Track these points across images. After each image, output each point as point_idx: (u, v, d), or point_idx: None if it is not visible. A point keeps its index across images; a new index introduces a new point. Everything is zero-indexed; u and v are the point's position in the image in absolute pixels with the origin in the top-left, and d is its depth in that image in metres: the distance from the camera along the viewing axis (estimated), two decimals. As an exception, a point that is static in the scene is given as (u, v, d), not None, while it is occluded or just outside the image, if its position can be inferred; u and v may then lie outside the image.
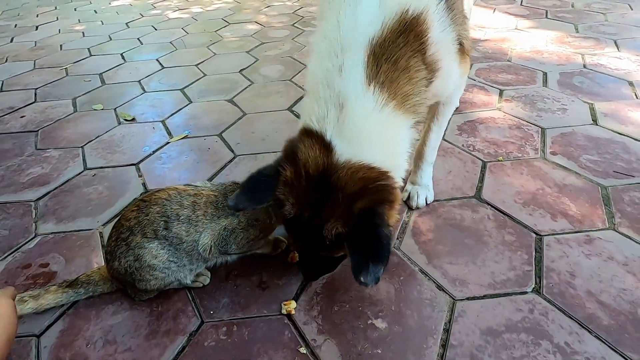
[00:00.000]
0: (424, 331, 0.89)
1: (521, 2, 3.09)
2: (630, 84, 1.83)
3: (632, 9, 2.74)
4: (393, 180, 0.80)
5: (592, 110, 1.66)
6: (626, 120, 1.57)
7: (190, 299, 1.01)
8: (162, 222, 0.92)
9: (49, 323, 0.98)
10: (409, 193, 1.24)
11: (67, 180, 1.50)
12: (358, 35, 0.77)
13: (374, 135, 0.77)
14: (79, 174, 1.54)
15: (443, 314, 0.93)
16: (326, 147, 0.76)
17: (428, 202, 1.23)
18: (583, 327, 0.88)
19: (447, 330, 0.89)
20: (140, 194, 1.37)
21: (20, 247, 1.21)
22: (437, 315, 0.93)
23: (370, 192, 0.75)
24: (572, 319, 0.89)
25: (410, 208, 1.23)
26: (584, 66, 2.03)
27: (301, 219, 0.79)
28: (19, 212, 1.36)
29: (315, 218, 0.77)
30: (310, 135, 0.79)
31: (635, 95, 1.74)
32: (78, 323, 0.98)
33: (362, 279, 0.67)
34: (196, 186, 1.00)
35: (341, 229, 0.75)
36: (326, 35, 0.82)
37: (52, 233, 1.26)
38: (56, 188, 1.46)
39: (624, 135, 1.48)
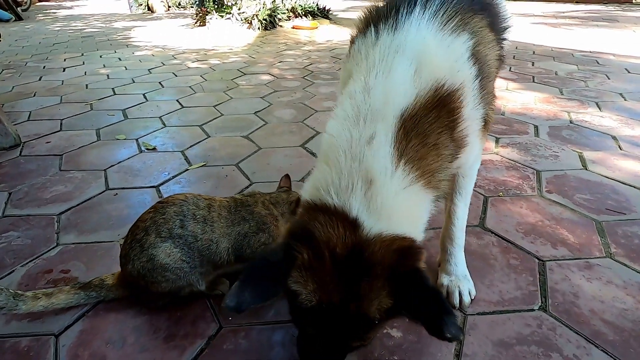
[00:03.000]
0: (438, 341, 0.92)
1: (510, 68, 3.43)
2: (614, 137, 2.01)
3: (609, 79, 3.05)
4: (418, 242, 0.75)
5: (582, 157, 1.80)
6: (613, 167, 1.71)
7: (209, 306, 1.04)
8: (178, 220, 0.98)
9: (68, 324, 0.99)
10: (447, 288, 1.06)
11: (89, 198, 1.57)
12: (390, 106, 0.73)
13: (402, 211, 0.72)
14: (101, 193, 1.61)
15: (455, 326, 0.96)
16: (352, 224, 0.69)
17: (472, 297, 1.05)
18: (590, 341, 0.91)
19: (460, 342, 0.92)
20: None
21: (42, 254, 1.25)
22: (450, 327, 0.96)
23: (408, 257, 0.69)
24: (578, 334, 0.93)
25: (453, 308, 1.02)
26: (571, 122, 2.23)
27: (329, 306, 0.68)
28: (42, 224, 1.41)
29: (350, 300, 0.68)
30: (325, 211, 0.71)
31: (619, 147, 1.91)
32: (97, 324, 0.99)
33: (448, 334, 0.60)
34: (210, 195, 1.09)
35: (389, 302, 0.68)
36: (353, 97, 0.77)
37: (73, 243, 1.30)
38: (78, 204, 1.52)
39: (612, 179, 1.61)
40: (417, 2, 0.81)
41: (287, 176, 1.25)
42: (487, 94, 0.86)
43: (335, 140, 0.75)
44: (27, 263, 1.20)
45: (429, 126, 0.73)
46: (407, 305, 0.67)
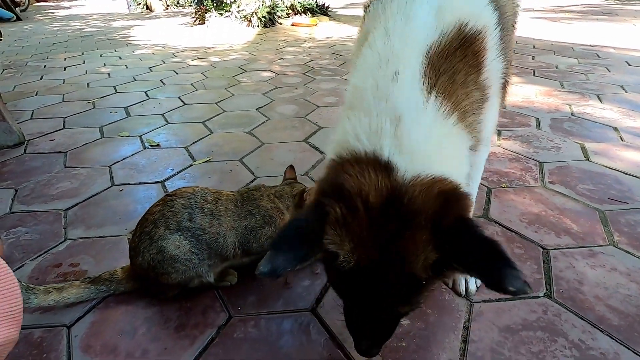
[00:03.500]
0: (445, 328, 0.94)
1: (510, 63, 3.43)
2: (615, 129, 2.01)
3: (610, 71, 3.05)
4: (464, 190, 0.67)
5: (584, 149, 1.81)
6: (615, 157, 1.72)
7: (218, 296, 1.05)
8: (187, 213, 0.99)
9: (80, 315, 1.01)
10: (453, 277, 1.04)
11: (95, 194, 1.58)
12: (413, 43, 0.70)
13: (438, 147, 0.66)
14: (107, 189, 1.62)
15: (462, 314, 0.97)
16: (385, 168, 0.63)
17: (478, 285, 1.03)
18: (594, 326, 0.93)
19: (466, 328, 0.94)
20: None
21: (50, 249, 1.26)
22: (457, 314, 0.97)
23: (454, 203, 0.62)
24: (583, 319, 0.95)
25: (459, 295, 1.02)
26: (572, 114, 2.24)
27: (370, 266, 0.62)
28: (49, 219, 1.42)
29: (392, 256, 0.61)
30: (354, 160, 0.65)
31: (621, 138, 1.91)
32: (109, 315, 1.00)
33: (511, 287, 0.50)
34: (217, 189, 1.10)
35: (435, 255, 0.59)
36: (373, 46, 0.74)
37: (81, 238, 1.31)
38: (85, 200, 1.54)
39: (614, 169, 1.62)
40: None
41: (291, 167, 1.25)
42: (506, 48, 0.82)
43: (359, 88, 0.72)
44: (36, 257, 1.22)
45: (456, 64, 0.70)
46: (458, 257, 0.58)
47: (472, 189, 1.05)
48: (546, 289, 1.04)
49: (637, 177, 1.55)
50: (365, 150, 0.65)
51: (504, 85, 0.89)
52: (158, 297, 1.04)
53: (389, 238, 0.60)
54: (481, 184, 1.54)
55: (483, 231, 0.58)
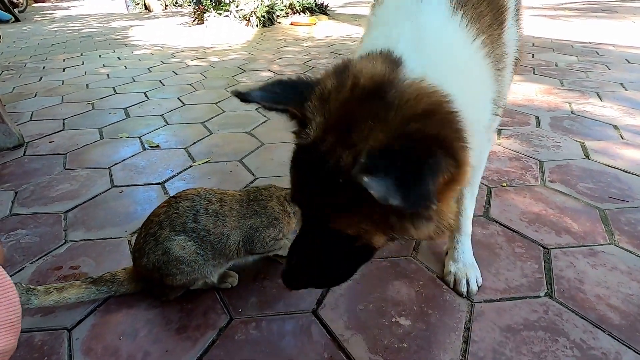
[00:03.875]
0: (447, 328, 0.94)
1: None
2: (615, 127, 2.01)
3: (609, 69, 3.05)
4: (466, 132, 0.57)
5: (584, 147, 1.81)
6: (615, 156, 1.72)
7: (219, 298, 1.05)
8: (192, 214, 0.99)
9: (80, 318, 1.01)
10: (454, 275, 1.05)
11: (95, 196, 1.58)
12: None
13: (458, 66, 0.63)
14: (107, 190, 1.62)
15: (463, 314, 0.97)
16: (393, 61, 0.60)
17: (479, 285, 1.05)
18: (596, 326, 0.93)
19: (468, 328, 0.94)
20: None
21: (51, 251, 1.26)
22: (458, 314, 0.97)
23: (435, 121, 0.54)
24: (584, 319, 0.95)
25: (460, 295, 1.02)
26: (572, 112, 2.23)
27: (320, 146, 0.56)
28: (49, 221, 1.42)
29: (342, 143, 0.54)
30: (374, 55, 0.63)
31: (621, 136, 1.91)
32: (110, 318, 1.00)
33: (391, 201, 0.44)
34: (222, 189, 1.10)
35: (378, 148, 0.51)
36: None
37: (81, 240, 1.31)
38: (85, 202, 1.53)
39: (614, 168, 1.62)
40: None
41: None
42: (519, 24, 0.82)
43: (386, 5, 0.72)
44: (36, 260, 1.22)
45: (485, 6, 0.68)
46: (380, 157, 0.49)
47: (469, 198, 1.06)
48: (547, 289, 1.04)
49: (637, 176, 1.55)
50: (382, 48, 0.63)
51: (516, 63, 0.87)
52: (160, 298, 1.04)
53: (351, 123, 0.55)
54: (482, 183, 1.54)
55: (426, 160, 0.49)
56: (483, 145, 0.95)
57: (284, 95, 0.60)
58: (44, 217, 1.44)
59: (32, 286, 0.97)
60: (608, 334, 0.90)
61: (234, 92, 0.58)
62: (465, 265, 1.07)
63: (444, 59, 0.63)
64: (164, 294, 1.03)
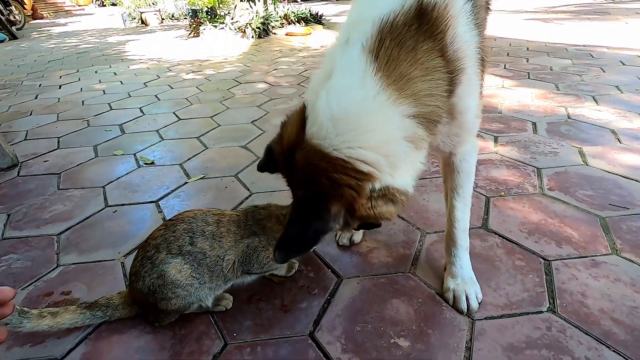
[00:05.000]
0: (447, 349, 0.91)
1: (504, 65, 3.43)
2: (612, 131, 2.00)
3: (604, 72, 3.05)
4: (357, 170, 0.68)
5: (581, 153, 1.80)
6: (614, 161, 1.70)
7: (213, 322, 1.03)
8: (188, 237, 0.97)
9: (71, 347, 0.98)
10: (453, 292, 1.03)
11: (89, 216, 1.56)
12: (374, 11, 0.71)
13: (348, 111, 0.67)
14: (100, 210, 1.60)
15: (464, 332, 0.95)
16: (302, 122, 0.70)
17: (479, 301, 1.02)
18: (601, 342, 0.90)
19: (469, 348, 0.91)
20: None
21: (42, 276, 1.23)
22: (458, 333, 0.95)
23: (317, 183, 0.69)
24: (589, 335, 0.92)
25: (461, 313, 1.01)
26: (568, 117, 2.22)
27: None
28: (42, 244, 1.39)
29: (289, 187, 0.81)
30: (300, 109, 0.74)
31: (619, 140, 1.90)
32: (101, 346, 0.98)
33: (275, 253, 0.76)
34: (219, 209, 1.07)
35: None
36: (348, 15, 0.81)
37: (74, 264, 1.29)
38: (78, 223, 1.51)
39: (613, 174, 1.60)
40: None
41: None
42: (479, 24, 0.81)
43: (330, 49, 0.78)
44: (27, 286, 1.19)
45: (408, 31, 0.69)
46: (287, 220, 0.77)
47: (460, 207, 1.04)
48: (549, 303, 1.01)
49: (637, 181, 1.53)
50: (305, 102, 0.73)
51: (482, 63, 0.85)
52: (154, 324, 1.02)
53: (288, 179, 0.80)
54: (479, 193, 1.52)
55: (302, 220, 0.73)
56: (466, 153, 0.96)
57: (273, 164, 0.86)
58: (36, 241, 1.42)
59: (26, 309, 0.95)
60: (614, 351, 0.88)
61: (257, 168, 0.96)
62: (465, 281, 1.05)
63: (340, 113, 0.67)
64: (158, 319, 1.01)
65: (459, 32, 0.74)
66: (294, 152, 0.72)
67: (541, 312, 0.99)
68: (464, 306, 1.01)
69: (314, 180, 0.70)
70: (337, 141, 0.67)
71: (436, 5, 0.71)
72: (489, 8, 1.01)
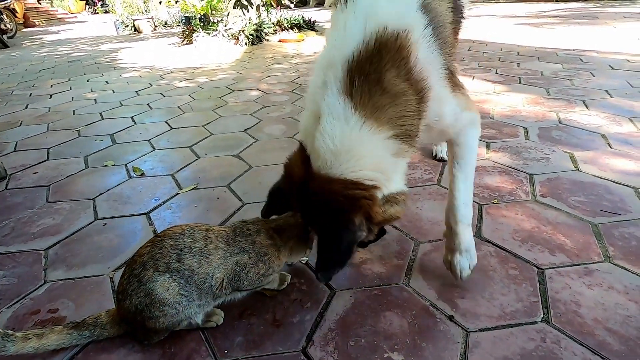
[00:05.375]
0: (441, 363, 0.90)
1: (496, 71, 3.46)
2: (603, 136, 2.01)
3: (594, 76, 3.08)
4: (364, 186, 0.83)
5: (573, 158, 1.80)
6: (605, 166, 1.71)
7: (204, 339, 1.01)
8: (175, 254, 0.95)
9: (57, 368, 0.95)
10: (451, 261, 1.10)
11: (78, 230, 1.53)
12: (342, 52, 0.83)
13: (342, 146, 0.81)
14: (90, 223, 1.57)
15: (458, 345, 0.94)
16: (305, 160, 0.86)
17: (471, 268, 1.10)
18: (595, 353, 0.89)
19: (463, 362, 0.90)
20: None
21: (29, 294, 1.21)
22: (452, 346, 0.93)
23: (332, 203, 0.83)
24: (583, 345, 0.91)
25: (456, 278, 1.10)
26: (559, 122, 2.24)
27: (305, 221, 0.98)
28: (29, 260, 1.37)
29: (305, 220, 0.96)
30: (299, 149, 0.91)
31: (609, 145, 1.91)
32: (88, 367, 0.95)
33: (318, 275, 0.87)
34: (208, 225, 1.06)
35: (316, 232, 0.90)
36: (321, 55, 0.91)
37: (61, 280, 1.26)
38: (67, 237, 1.49)
39: (605, 179, 1.61)
40: None
41: None
42: (443, 43, 0.90)
43: (310, 88, 0.90)
44: (13, 304, 1.16)
45: (371, 65, 0.81)
46: (319, 241, 0.89)
47: (461, 180, 1.08)
48: (543, 313, 1.01)
49: (627, 187, 1.54)
50: (302, 143, 0.89)
51: (451, 75, 0.96)
52: (143, 342, 0.99)
53: (302, 210, 0.94)
54: (473, 201, 1.52)
55: (340, 230, 0.85)
56: (463, 126, 1.04)
57: (279, 203, 1.04)
58: (23, 256, 1.39)
59: (9, 332, 0.92)
60: (608, 362, 0.87)
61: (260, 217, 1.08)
62: (460, 252, 1.09)
63: (334, 147, 0.82)
64: (147, 337, 0.99)
65: (421, 56, 0.84)
66: (306, 184, 0.85)
67: (535, 322, 0.98)
68: (457, 275, 1.09)
69: (333, 200, 0.83)
70: (342, 169, 0.82)
71: (398, 36, 0.82)
72: (459, 20, 1.10)
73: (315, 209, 0.87)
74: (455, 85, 0.98)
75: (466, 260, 1.09)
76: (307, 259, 1.25)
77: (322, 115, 0.82)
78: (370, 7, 0.85)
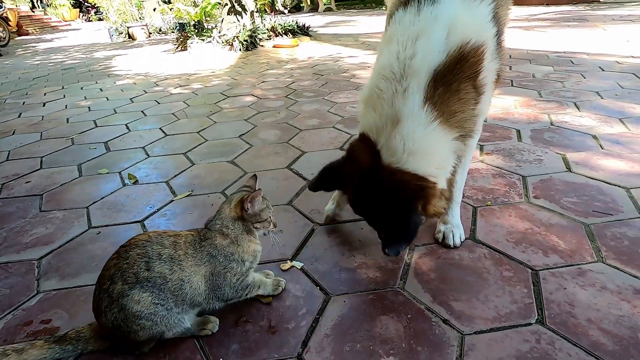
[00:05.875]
0: (437, 366, 0.90)
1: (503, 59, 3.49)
2: (594, 137, 2.03)
3: (585, 78, 3.12)
4: (429, 182, 0.98)
5: (565, 159, 1.82)
6: (597, 167, 1.73)
7: (199, 347, 1.00)
8: (143, 263, 0.91)
9: (50, 380, 0.94)
10: (443, 233, 1.30)
11: (71, 239, 1.52)
12: (427, 62, 0.92)
13: (418, 148, 0.94)
14: (83, 232, 1.56)
15: (454, 349, 0.94)
16: (375, 153, 0.99)
17: (462, 240, 1.29)
18: (590, 353, 0.90)
19: (459, 365, 0.90)
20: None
21: (21, 304, 1.19)
22: (448, 350, 0.93)
23: (403, 191, 0.96)
24: (577, 346, 0.92)
25: (448, 247, 1.28)
26: (551, 124, 2.26)
27: (356, 201, 1.08)
28: (21, 270, 1.35)
29: (364, 203, 1.05)
30: (367, 141, 1.01)
31: (601, 146, 1.93)
32: (81, 378, 0.94)
33: (385, 250, 0.98)
34: (176, 231, 1.03)
35: (379, 215, 1.01)
36: (391, 56, 0.98)
37: (54, 290, 1.25)
38: (60, 247, 1.48)
39: (597, 180, 1.62)
40: None
41: (254, 176, 1.17)
42: (502, 50, 1.02)
43: (383, 94, 0.98)
44: (4, 315, 1.15)
45: (453, 76, 0.92)
46: (385, 223, 1.01)
47: (460, 172, 1.27)
48: (538, 315, 1.01)
49: (619, 187, 1.55)
50: (371, 138, 1.00)
51: (497, 79, 1.08)
52: (134, 353, 0.98)
53: (364, 193, 1.03)
54: (467, 203, 1.53)
55: (409, 214, 0.99)
56: (473, 132, 1.13)
57: (332, 181, 1.18)
58: (15, 266, 1.38)
59: None
60: (603, 362, 0.87)
61: (308, 187, 1.22)
62: (452, 225, 1.30)
63: (407, 148, 0.95)
64: (136, 348, 0.97)
65: (486, 66, 0.95)
66: (376, 173, 0.98)
67: (530, 324, 0.99)
68: (451, 242, 1.27)
69: (405, 188, 0.96)
70: (415, 166, 0.96)
71: (476, 49, 0.92)
72: (504, 25, 1.15)
73: (385, 195, 0.98)
74: (497, 83, 1.10)
75: (457, 232, 1.29)
76: (277, 241, 1.18)
77: (403, 119, 0.93)
78: (454, 19, 0.93)
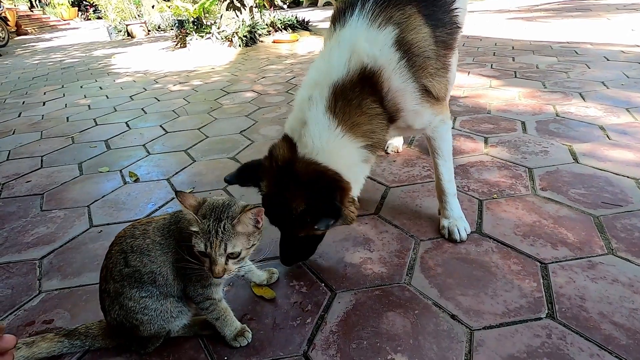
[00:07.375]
0: (446, 363, 0.88)
1: (492, 65, 3.44)
2: (601, 127, 2.00)
3: (589, 68, 3.07)
4: (342, 177, 1.04)
5: (571, 151, 1.79)
6: (604, 158, 1.69)
7: (203, 346, 0.98)
8: (122, 259, 0.89)
9: (53, 380, 0.93)
10: (448, 229, 1.28)
11: (73, 238, 1.51)
12: (328, 78, 1.05)
13: (326, 147, 1.02)
14: (85, 231, 1.55)
15: (462, 344, 0.92)
16: (292, 147, 1.05)
17: (468, 233, 1.27)
18: (602, 348, 0.87)
19: (468, 361, 0.88)
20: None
21: (23, 305, 1.18)
22: (457, 346, 0.91)
23: (322, 179, 1.01)
24: (590, 341, 0.89)
25: (455, 242, 1.26)
26: (557, 115, 2.22)
27: (270, 196, 1.07)
28: (23, 270, 1.34)
29: (281, 196, 1.03)
30: (285, 139, 1.09)
31: (608, 136, 1.90)
32: (84, 378, 0.93)
33: (315, 225, 0.99)
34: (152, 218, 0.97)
35: (303, 206, 1.00)
36: (311, 72, 1.14)
37: (56, 289, 1.24)
38: (61, 246, 1.46)
39: (604, 170, 1.59)
40: (357, 5, 1.10)
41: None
42: (418, 71, 1.07)
43: (299, 97, 1.11)
44: (6, 316, 1.14)
45: (352, 93, 1.03)
46: (311, 208, 1.00)
47: (441, 164, 1.29)
48: (548, 309, 0.99)
49: (628, 177, 1.52)
50: (288, 135, 1.09)
51: (426, 92, 1.12)
52: (140, 352, 0.97)
53: (283, 183, 1.03)
54: (472, 196, 1.50)
55: (332, 199, 1.02)
56: (436, 126, 1.23)
57: (248, 176, 1.12)
58: (17, 266, 1.36)
59: None
60: (616, 357, 0.85)
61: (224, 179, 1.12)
62: (455, 219, 1.29)
63: (317, 145, 1.03)
64: (142, 346, 0.96)
65: (393, 87, 1.05)
66: (291, 164, 1.03)
67: (540, 318, 0.97)
68: (457, 237, 1.26)
69: (321, 177, 1.01)
70: (327, 160, 1.03)
71: (374, 73, 1.03)
72: (452, 32, 1.20)
73: (303, 183, 1.01)
74: (430, 99, 1.13)
75: (462, 225, 1.27)
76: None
77: (308, 122, 1.03)
78: (355, 45, 1.04)
